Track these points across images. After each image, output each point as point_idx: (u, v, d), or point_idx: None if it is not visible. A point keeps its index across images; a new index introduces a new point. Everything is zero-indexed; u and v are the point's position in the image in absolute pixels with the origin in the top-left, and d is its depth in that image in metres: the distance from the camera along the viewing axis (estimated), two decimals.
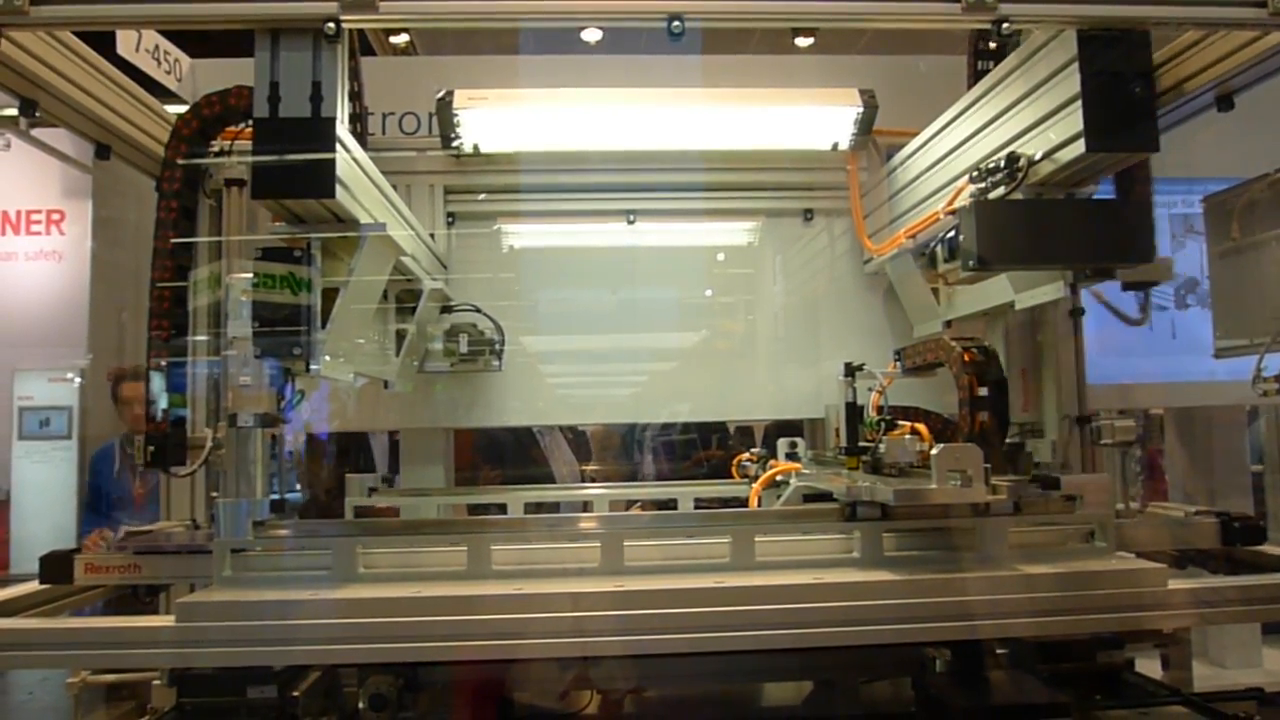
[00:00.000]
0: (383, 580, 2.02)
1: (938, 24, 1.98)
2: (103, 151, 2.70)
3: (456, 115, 2.88)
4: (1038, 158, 2.11)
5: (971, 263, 2.09)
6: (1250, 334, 2.40)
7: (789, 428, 3.55)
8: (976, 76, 2.82)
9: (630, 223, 3.23)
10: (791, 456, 3.03)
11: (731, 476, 3.21)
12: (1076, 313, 2.95)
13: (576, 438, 4.79)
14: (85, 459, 5.94)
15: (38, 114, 2.38)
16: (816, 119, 3.02)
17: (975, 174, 2.30)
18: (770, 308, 3.34)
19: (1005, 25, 1.94)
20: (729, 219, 3.34)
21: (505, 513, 3.00)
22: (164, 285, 2.38)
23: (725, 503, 3.03)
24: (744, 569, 2.03)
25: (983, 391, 2.33)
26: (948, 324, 2.80)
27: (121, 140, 2.66)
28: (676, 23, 1.90)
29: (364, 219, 2.14)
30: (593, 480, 4.50)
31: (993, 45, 2.81)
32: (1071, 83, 2.01)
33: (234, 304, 2.21)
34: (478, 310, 3.03)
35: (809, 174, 3.22)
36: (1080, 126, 1.98)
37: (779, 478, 2.80)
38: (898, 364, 2.75)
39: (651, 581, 1.94)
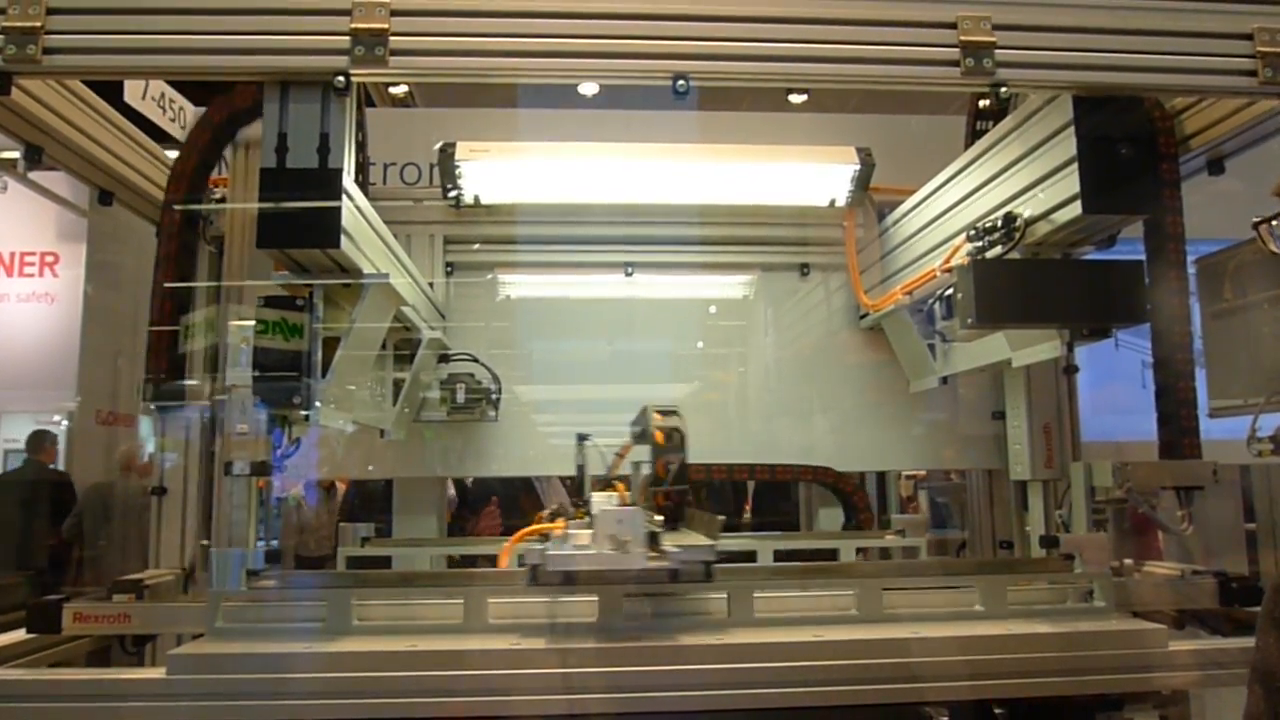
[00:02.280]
0: (377, 633, 1.99)
1: (938, 87, 2.02)
2: (105, 198, 2.71)
3: (458, 166, 2.91)
4: (1034, 218, 2.15)
5: (970, 320, 2.11)
6: (1244, 394, 2.42)
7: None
8: (975, 136, 2.89)
9: (628, 275, 3.25)
10: None
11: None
12: (1070, 370, 2.98)
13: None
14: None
15: (42, 159, 2.40)
16: (814, 176, 3.06)
17: (972, 233, 2.32)
18: (764, 361, 3.35)
19: (1003, 90, 1.98)
20: (725, 272, 3.36)
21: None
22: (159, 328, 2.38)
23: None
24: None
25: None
26: (944, 380, 2.82)
27: (125, 186, 2.68)
28: (681, 81, 1.94)
29: (367, 268, 2.15)
30: None
31: (986, 104, 2.88)
32: (1068, 145, 2.04)
33: (233, 350, 2.22)
34: (475, 360, 3.03)
35: (805, 229, 3.25)
36: (1077, 188, 2.02)
37: None
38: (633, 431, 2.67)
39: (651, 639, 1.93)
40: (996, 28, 1.97)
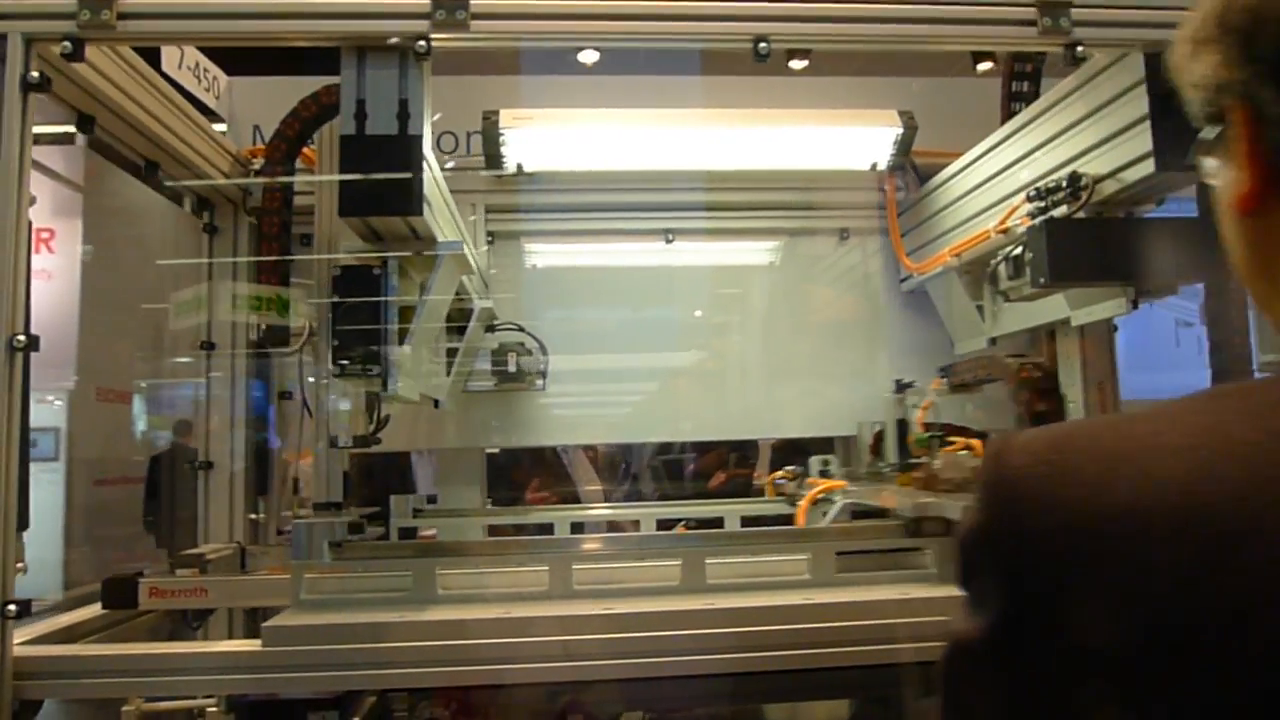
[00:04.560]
0: (462, 602, 2.00)
1: (1015, 46, 2.05)
2: (151, 168, 2.67)
3: (502, 134, 2.89)
4: (1101, 176, 2.16)
5: (1042, 279, 2.13)
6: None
7: (797, 446, 3.58)
8: (1011, 98, 2.91)
9: (669, 241, 3.25)
10: (825, 474, 3.07)
11: (748, 494, 3.27)
12: (1111, 329, 3.01)
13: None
14: (74, 481, 5.84)
15: (94, 129, 2.35)
16: (857, 140, 3.06)
17: (1033, 193, 2.34)
18: (805, 325, 3.37)
19: (1079, 49, 1.99)
20: (764, 238, 3.37)
21: (552, 532, 2.99)
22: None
23: (770, 520, 3.03)
24: (824, 585, 2.04)
25: (1042, 407, 2.37)
26: (992, 341, 2.84)
27: (171, 158, 2.64)
28: (764, 44, 1.93)
29: (441, 237, 2.14)
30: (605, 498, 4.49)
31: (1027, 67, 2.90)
32: (1139, 104, 2.06)
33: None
34: (521, 329, 3.03)
35: (845, 194, 3.26)
36: (1148, 146, 2.03)
37: (822, 495, 2.83)
38: (944, 380, 2.78)
39: (741, 599, 1.95)
40: None
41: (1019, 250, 2.36)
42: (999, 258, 2.48)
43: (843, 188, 3.26)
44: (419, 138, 1.92)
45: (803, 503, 2.73)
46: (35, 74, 1.81)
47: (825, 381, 3.33)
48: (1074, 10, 1.97)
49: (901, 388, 2.64)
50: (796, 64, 3.40)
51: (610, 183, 3.17)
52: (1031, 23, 1.97)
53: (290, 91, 2.85)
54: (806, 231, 3.33)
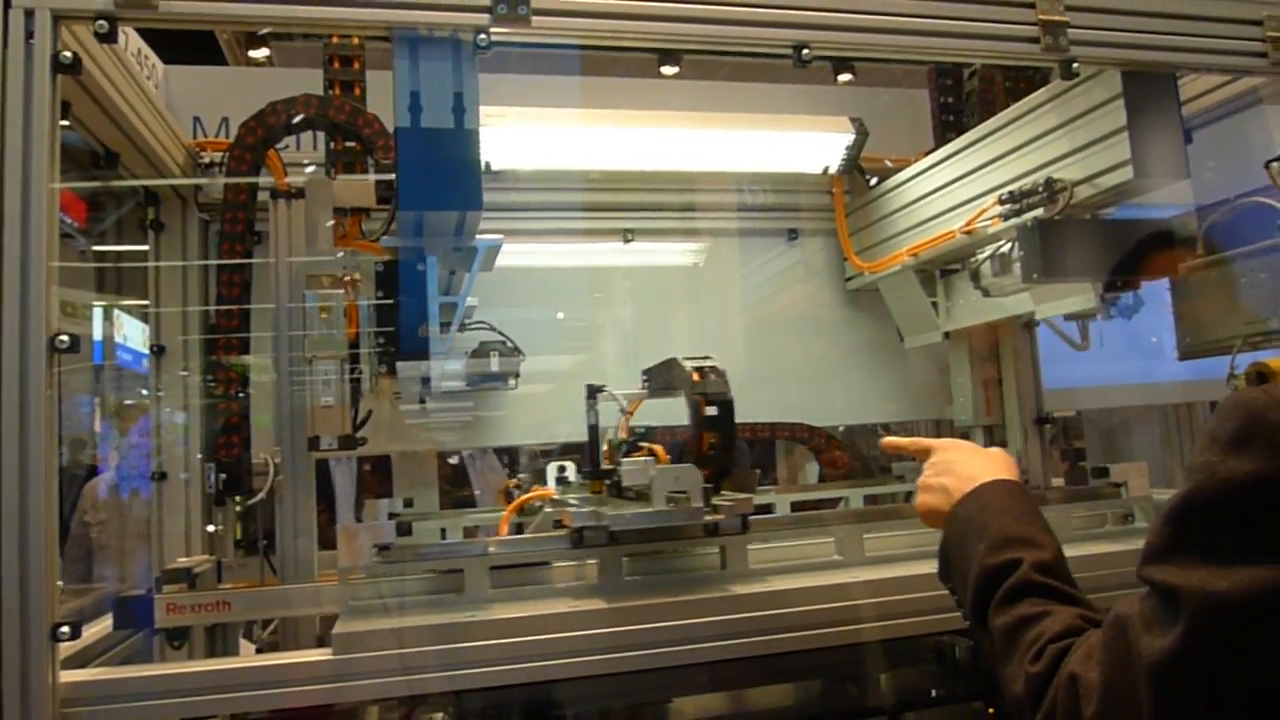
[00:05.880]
0: (518, 599, 1.98)
1: (1019, 61, 2.21)
2: (110, 159, 2.48)
3: None
4: (1078, 181, 2.39)
5: (1035, 275, 2.33)
6: (1217, 338, 2.78)
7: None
8: (941, 109, 3.17)
9: (628, 241, 3.30)
10: (562, 481, 2.79)
11: None
12: (1031, 324, 3.30)
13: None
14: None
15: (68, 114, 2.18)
16: (810, 144, 3.21)
17: (1005, 196, 2.55)
18: (752, 323, 3.49)
19: (1074, 65, 2.19)
20: (717, 238, 3.46)
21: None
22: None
23: None
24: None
25: (710, 411, 2.28)
26: (946, 335, 3.05)
27: (135, 148, 2.47)
28: (806, 50, 2.02)
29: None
30: None
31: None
32: (1116, 116, 2.29)
33: (310, 316, 2.13)
34: (492, 328, 2.99)
35: (794, 196, 3.40)
36: (1126, 155, 2.26)
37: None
38: (646, 384, 2.69)
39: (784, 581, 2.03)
40: (1068, 8, 2.18)
41: (1007, 248, 2.56)
42: (984, 254, 2.67)
43: (792, 190, 3.40)
44: (476, 132, 1.90)
45: (505, 512, 2.57)
46: (68, 54, 1.68)
47: (777, 377, 3.45)
48: (1070, 30, 2.16)
49: (592, 393, 2.52)
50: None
51: (571, 182, 3.19)
52: (1035, 40, 2.15)
53: (228, 81, 2.72)
54: (756, 231, 3.45)
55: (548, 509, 2.50)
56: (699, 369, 2.33)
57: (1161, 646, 0.92)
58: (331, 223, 2.26)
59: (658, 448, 2.34)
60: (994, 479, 1.43)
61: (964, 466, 1.49)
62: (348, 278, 2.18)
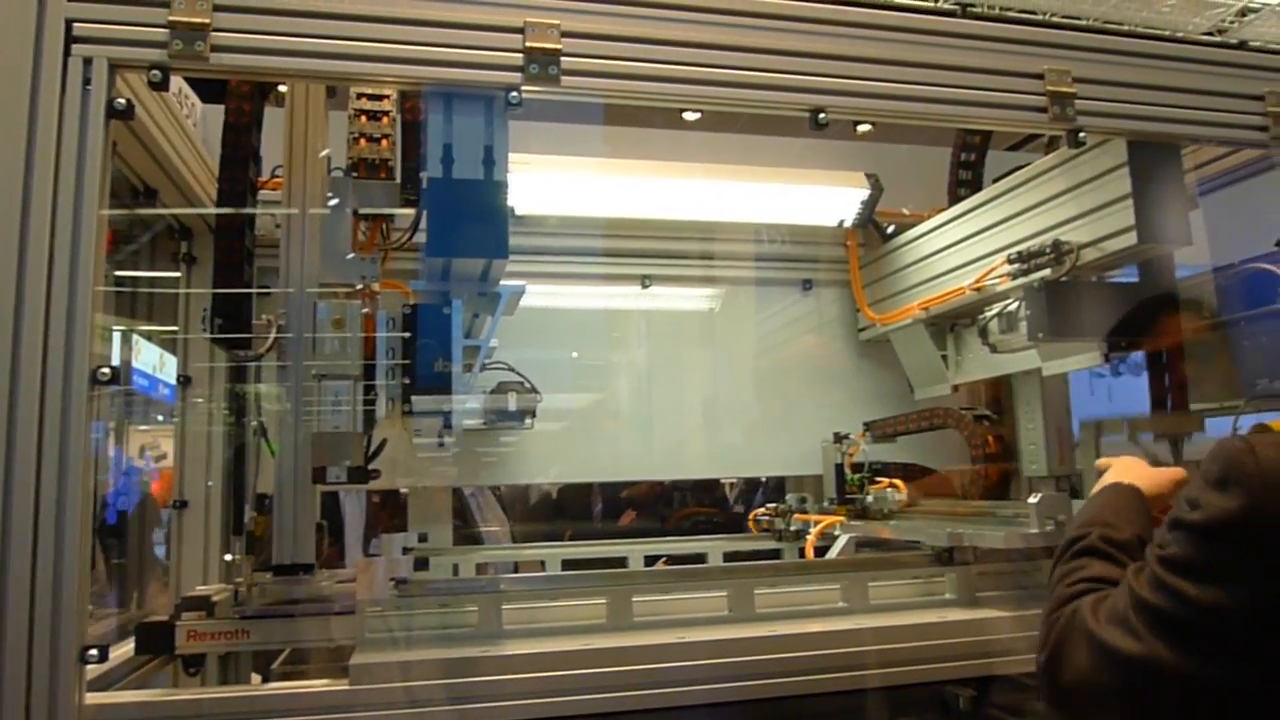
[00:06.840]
0: (530, 635, 2.04)
1: (1029, 128, 2.30)
2: (149, 195, 2.59)
3: None
4: (1084, 244, 2.45)
5: (1040, 334, 2.39)
6: (1219, 398, 2.82)
7: (756, 485, 3.78)
8: (959, 166, 3.24)
9: (645, 286, 3.38)
10: (802, 510, 3.26)
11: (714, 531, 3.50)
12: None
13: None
14: None
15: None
16: (826, 199, 3.29)
17: (1014, 256, 2.62)
18: (769, 370, 3.55)
19: (1081, 134, 2.27)
20: (733, 285, 3.54)
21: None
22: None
23: (755, 555, 3.19)
24: (863, 612, 2.20)
25: (995, 449, 2.83)
26: (955, 388, 3.11)
27: (173, 184, 2.57)
28: (822, 114, 2.11)
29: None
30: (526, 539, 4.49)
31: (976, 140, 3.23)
32: (1121, 184, 2.36)
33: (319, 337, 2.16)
34: (510, 369, 3.07)
35: (810, 247, 3.48)
36: (1130, 221, 2.33)
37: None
38: (866, 433, 3.29)
39: (789, 626, 2.08)
40: (1075, 80, 2.26)
41: (1014, 307, 2.62)
42: (992, 312, 2.74)
43: (808, 242, 3.48)
44: (504, 184, 1.99)
45: (811, 536, 2.94)
46: (121, 100, 1.77)
47: (791, 423, 3.51)
48: (1078, 101, 2.24)
49: (838, 439, 3.18)
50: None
51: (591, 229, 3.28)
52: (1043, 109, 2.23)
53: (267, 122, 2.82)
54: (772, 281, 3.52)
55: (838, 531, 2.93)
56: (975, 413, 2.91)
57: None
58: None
59: (898, 480, 2.89)
60: (1121, 482, 1.64)
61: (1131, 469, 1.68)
62: (366, 289, 2.22)
